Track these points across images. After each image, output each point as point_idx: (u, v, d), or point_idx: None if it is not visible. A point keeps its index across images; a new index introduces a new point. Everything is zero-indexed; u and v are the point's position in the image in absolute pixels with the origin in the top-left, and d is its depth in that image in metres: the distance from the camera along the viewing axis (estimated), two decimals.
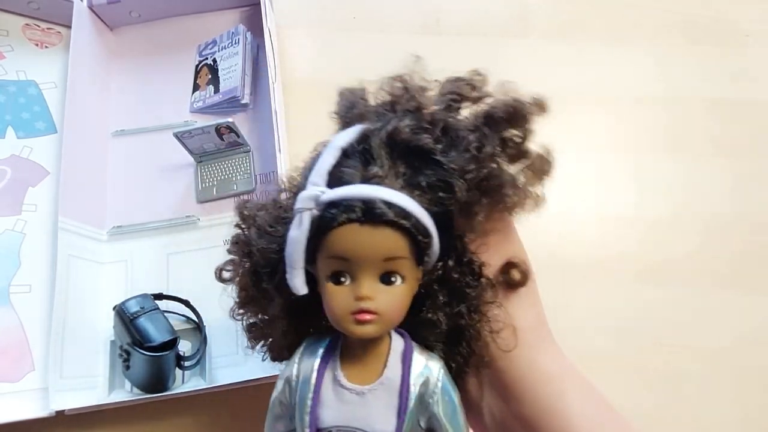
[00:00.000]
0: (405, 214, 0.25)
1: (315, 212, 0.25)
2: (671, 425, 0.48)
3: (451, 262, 0.28)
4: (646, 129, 0.59)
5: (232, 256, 0.33)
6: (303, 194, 0.26)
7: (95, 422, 0.45)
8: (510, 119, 0.28)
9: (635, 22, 0.65)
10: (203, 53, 0.62)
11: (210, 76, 0.60)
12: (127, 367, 0.45)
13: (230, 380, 0.43)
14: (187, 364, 0.46)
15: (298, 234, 0.25)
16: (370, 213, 0.25)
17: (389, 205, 0.25)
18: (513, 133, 0.29)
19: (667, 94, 0.61)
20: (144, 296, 0.47)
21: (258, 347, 0.34)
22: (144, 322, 0.45)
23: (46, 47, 0.61)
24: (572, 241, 0.54)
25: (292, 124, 0.57)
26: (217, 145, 0.55)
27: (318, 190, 0.25)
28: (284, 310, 0.30)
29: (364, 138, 0.27)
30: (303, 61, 0.62)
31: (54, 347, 0.44)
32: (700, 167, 0.58)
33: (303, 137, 0.55)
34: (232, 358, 0.48)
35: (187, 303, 0.49)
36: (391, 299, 0.26)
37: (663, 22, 0.65)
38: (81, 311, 0.48)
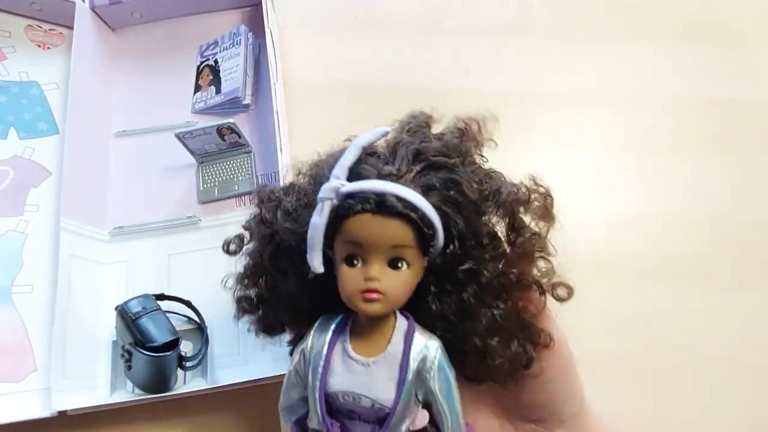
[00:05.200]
0: (413, 207, 0.28)
1: (335, 202, 0.29)
2: (674, 425, 0.48)
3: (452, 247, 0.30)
4: (647, 129, 0.59)
5: (242, 232, 0.36)
6: (326, 186, 0.29)
7: (97, 422, 0.45)
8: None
9: (635, 22, 0.65)
10: (205, 54, 0.62)
11: (211, 77, 0.60)
12: (129, 368, 0.45)
13: (232, 380, 0.43)
14: (188, 364, 0.46)
15: (318, 220, 0.29)
16: (382, 205, 0.28)
17: (399, 199, 0.28)
18: None
19: (667, 94, 0.61)
20: (146, 296, 0.47)
21: (243, 319, 0.37)
22: (146, 323, 0.45)
23: (49, 48, 0.61)
24: (576, 241, 0.53)
25: (294, 125, 0.57)
26: (218, 145, 0.55)
27: (339, 182, 0.29)
28: (300, 286, 0.33)
29: (393, 146, 0.31)
30: (304, 62, 0.62)
31: (56, 347, 0.44)
32: (702, 167, 0.57)
33: (304, 137, 0.55)
34: (234, 359, 0.48)
35: (188, 303, 0.49)
36: (396, 282, 0.29)
37: (663, 22, 0.65)
38: (83, 311, 0.48)
